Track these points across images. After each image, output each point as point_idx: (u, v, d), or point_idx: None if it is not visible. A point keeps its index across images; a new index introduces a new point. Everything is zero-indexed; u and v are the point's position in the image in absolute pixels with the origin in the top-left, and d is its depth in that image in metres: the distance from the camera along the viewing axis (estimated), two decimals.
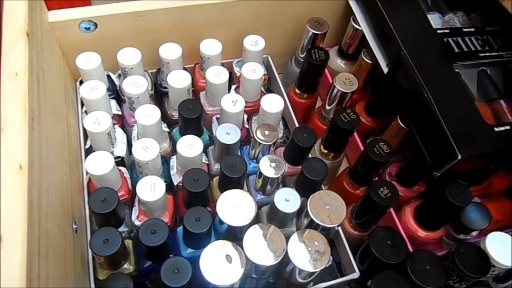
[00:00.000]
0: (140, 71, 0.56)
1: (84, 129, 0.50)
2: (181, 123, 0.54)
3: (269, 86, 0.68)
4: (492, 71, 0.57)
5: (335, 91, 0.57)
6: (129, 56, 0.54)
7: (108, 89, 0.55)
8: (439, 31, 0.56)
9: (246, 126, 0.58)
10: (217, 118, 0.58)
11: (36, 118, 0.42)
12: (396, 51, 0.53)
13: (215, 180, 0.53)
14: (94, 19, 0.55)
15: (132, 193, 0.51)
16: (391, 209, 0.56)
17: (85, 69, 0.53)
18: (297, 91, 0.65)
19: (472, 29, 0.58)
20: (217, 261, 0.41)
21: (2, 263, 0.32)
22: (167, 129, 0.56)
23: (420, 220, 0.55)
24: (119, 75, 0.59)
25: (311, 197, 0.47)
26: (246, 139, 0.58)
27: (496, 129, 0.48)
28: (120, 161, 0.53)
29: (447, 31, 0.57)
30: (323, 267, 0.43)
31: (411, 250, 0.52)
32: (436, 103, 0.48)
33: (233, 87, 0.61)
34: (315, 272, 0.44)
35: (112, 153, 0.51)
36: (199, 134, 0.53)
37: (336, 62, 0.70)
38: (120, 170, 0.51)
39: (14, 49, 0.44)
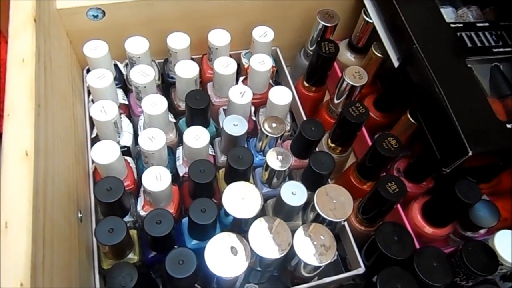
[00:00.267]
0: (147, 61, 0.55)
1: (91, 118, 0.50)
2: (187, 114, 0.54)
3: (277, 78, 0.67)
4: (505, 67, 0.56)
5: (344, 84, 0.57)
6: (136, 45, 0.54)
7: (115, 78, 0.55)
8: (452, 25, 0.55)
9: (254, 118, 0.58)
10: (224, 109, 0.58)
11: (42, 105, 0.42)
12: (407, 45, 0.52)
13: (221, 172, 0.52)
14: (102, 6, 0.55)
15: (138, 183, 0.51)
16: (398, 205, 0.56)
17: (92, 58, 0.52)
18: (306, 84, 0.64)
19: (486, 24, 0.57)
20: (222, 253, 0.41)
21: (7, 250, 0.32)
22: (173, 120, 0.56)
23: (428, 216, 0.54)
24: (126, 64, 0.59)
25: (318, 191, 0.47)
26: (253, 131, 0.57)
27: (508, 125, 0.48)
28: (126, 151, 0.53)
29: (461, 25, 0.56)
30: (328, 261, 0.43)
31: (417, 246, 0.51)
32: (447, 98, 0.47)
33: (241, 78, 0.61)
34: (320, 267, 0.44)
35: (118, 142, 0.51)
36: (205, 125, 0.53)
37: (346, 55, 0.69)
38: (126, 160, 0.51)
39: (21, 35, 0.44)
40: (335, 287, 0.52)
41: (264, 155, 0.51)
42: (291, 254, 0.44)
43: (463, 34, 0.55)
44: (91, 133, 0.55)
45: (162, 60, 0.62)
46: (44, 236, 0.36)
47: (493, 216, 0.53)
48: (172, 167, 0.53)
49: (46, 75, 0.45)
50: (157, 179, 0.45)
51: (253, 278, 0.51)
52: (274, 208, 0.50)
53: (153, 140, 0.47)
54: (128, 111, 0.58)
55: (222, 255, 0.41)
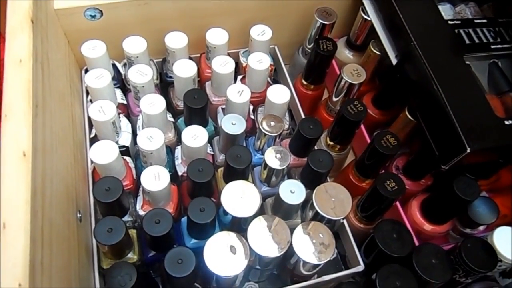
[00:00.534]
0: (145, 60, 0.55)
1: (89, 118, 0.50)
2: (186, 113, 0.54)
3: (275, 77, 0.67)
4: (503, 64, 0.56)
5: (342, 82, 0.57)
6: (134, 45, 0.54)
7: (113, 78, 0.55)
8: (450, 22, 0.55)
9: (252, 117, 0.58)
10: (222, 108, 0.58)
11: (40, 105, 0.42)
12: (405, 42, 0.52)
13: (220, 171, 0.52)
14: (100, 6, 0.55)
15: (137, 183, 0.51)
16: (397, 203, 0.56)
17: (90, 58, 0.52)
18: (304, 82, 0.64)
19: (484, 21, 0.57)
20: (221, 252, 0.41)
21: (5, 251, 0.32)
22: (172, 119, 0.56)
23: (427, 213, 0.54)
24: (125, 64, 0.59)
25: (317, 189, 0.47)
26: (252, 130, 0.57)
27: (506, 122, 0.47)
28: (125, 151, 0.53)
29: (458, 22, 0.56)
30: (327, 259, 0.43)
31: (417, 243, 0.51)
32: (445, 95, 0.47)
33: (239, 77, 0.61)
34: (319, 265, 0.44)
35: (117, 142, 0.51)
36: (204, 124, 0.53)
37: (344, 53, 0.69)
38: (124, 160, 0.51)
39: (19, 36, 0.44)
40: (334, 285, 0.52)
41: (263, 153, 0.51)
42: (290, 252, 0.44)
43: (461, 31, 0.55)
44: (90, 133, 0.55)
45: (160, 60, 0.62)
46: (42, 236, 0.36)
47: (492, 213, 0.53)
48: (171, 166, 0.53)
49: (43, 75, 0.45)
50: (156, 179, 0.45)
51: (252, 276, 0.51)
52: (273, 207, 0.50)
53: (152, 139, 0.47)
54: (127, 110, 0.58)
55: (221, 254, 0.41)
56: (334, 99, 0.60)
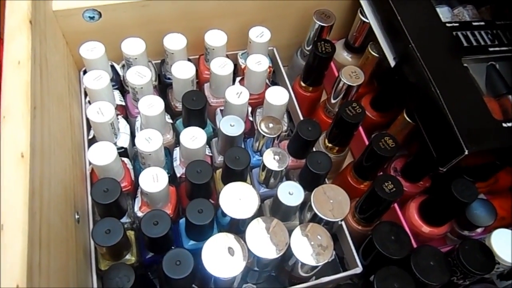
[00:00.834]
0: (144, 62, 0.55)
1: (88, 119, 0.50)
2: (184, 115, 0.54)
3: (274, 78, 0.67)
4: (501, 66, 0.56)
5: (340, 84, 0.57)
6: (133, 46, 0.54)
7: (111, 80, 0.55)
8: (448, 25, 0.55)
9: (250, 118, 0.58)
10: (221, 110, 0.58)
11: (38, 107, 0.42)
12: (403, 44, 0.52)
13: (218, 172, 0.52)
14: (99, 8, 0.55)
15: (135, 184, 0.51)
16: (395, 205, 0.56)
17: (89, 59, 0.52)
18: (302, 84, 0.64)
19: (482, 23, 0.57)
20: (219, 253, 0.41)
21: (3, 252, 0.32)
22: (170, 121, 0.56)
23: (425, 215, 0.54)
24: (123, 65, 0.59)
25: (315, 191, 0.47)
26: (250, 131, 0.57)
27: (504, 124, 0.48)
28: (123, 152, 0.52)
29: (456, 24, 0.56)
30: (325, 261, 0.43)
31: (415, 246, 0.51)
32: (443, 97, 0.47)
33: (238, 79, 0.61)
34: (317, 266, 0.44)
35: (115, 143, 0.51)
36: (202, 126, 0.53)
37: (343, 55, 0.69)
38: (123, 161, 0.51)
39: (17, 37, 0.44)
40: (332, 286, 0.52)
41: (261, 155, 0.51)
42: (288, 254, 0.44)
43: (459, 33, 0.55)
44: (88, 134, 0.55)
45: (159, 61, 0.62)
46: (40, 238, 0.36)
47: (490, 215, 0.53)
48: (169, 168, 0.53)
49: (42, 77, 0.45)
50: (154, 180, 0.45)
51: (250, 278, 0.51)
52: (271, 208, 0.50)
53: (150, 141, 0.47)
54: (125, 112, 0.58)
55: (220, 256, 0.41)
56: (333, 101, 0.60)
